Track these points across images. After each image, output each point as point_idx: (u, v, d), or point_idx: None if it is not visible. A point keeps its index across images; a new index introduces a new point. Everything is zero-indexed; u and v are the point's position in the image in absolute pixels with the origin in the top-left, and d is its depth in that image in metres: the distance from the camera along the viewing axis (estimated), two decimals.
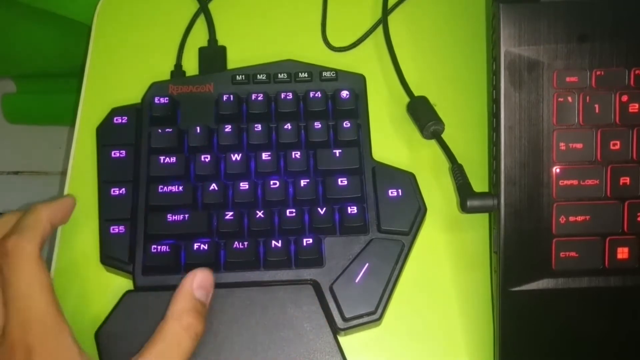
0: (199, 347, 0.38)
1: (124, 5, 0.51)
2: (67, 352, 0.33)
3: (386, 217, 0.41)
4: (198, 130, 0.43)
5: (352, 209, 0.41)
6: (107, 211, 0.42)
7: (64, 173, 0.46)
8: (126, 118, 0.44)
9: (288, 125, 0.43)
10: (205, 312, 0.36)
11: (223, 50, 0.49)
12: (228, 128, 0.43)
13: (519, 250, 0.39)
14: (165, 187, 0.41)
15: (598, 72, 0.39)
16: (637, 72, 0.39)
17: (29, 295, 0.33)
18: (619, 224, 0.39)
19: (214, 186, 0.41)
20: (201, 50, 0.49)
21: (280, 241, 0.40)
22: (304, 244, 0.40)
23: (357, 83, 0.45)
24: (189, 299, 0.36)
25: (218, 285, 0.40)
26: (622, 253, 0.39)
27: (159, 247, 0.40)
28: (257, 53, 0.47)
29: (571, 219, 0.39)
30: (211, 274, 0.37)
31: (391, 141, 0.46)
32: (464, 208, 0.40)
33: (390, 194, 0.42)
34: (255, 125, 0.43)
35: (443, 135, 0.44)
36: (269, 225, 0.41)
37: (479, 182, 0.43)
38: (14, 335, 0.32)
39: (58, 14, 0.70)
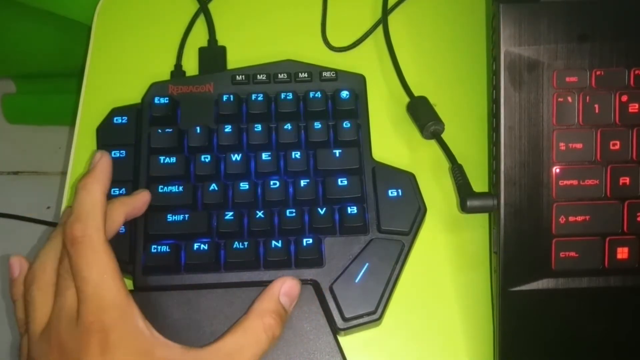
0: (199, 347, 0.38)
1: (124, 5, 0.51)
2: (141, 334, 0.33)
3: (386, 217, 0.41)
4: (198, 130, 0.43)
5: (352, 209, 0.41)
6: None
7: (64, 173, 0.46)
8: (126, 118, 0.44)
9: (288, 125, 0.43)
10: (286, 319, 0.37)
11: (223, 50, 0.49)
12: (228, 128, 0.43)
13: (519, 250, 0.39)
14: (165, 187, 0.41)
15: (598, 72, 0.39)
16: (636, 72, 0.39)
17: (102, 283, 0.33)
18: (618, 224, 0.39)
19: (214, 186, 0.41)
20: (201, 50, 0.49)
21: (280, 241, 0.40)
22: (304, 244, 0.40)
23: (357, 83, 0.45)
24: (274, 301, 0.37)
25: (218, 285, 0.40)
26: (622, 253, 0.39)
27: (159, 247, 0.40)
28: (257, 53, 0.47)
29: (571, 219, 0.39)
30: (299, 285, 0.38)
31: (391, 141, 0.46)
32: (464, 208, 0.40)
33: (390, 194, 0.42)
34: (255, 125, 0.43)
35: (443, 135, 0.44)
36: (269, 225, 0.41)
37: (479, 182, 0.43)
38: (89, 317, 0.33)
39: (58, 14, 0.71)
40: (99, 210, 0.36)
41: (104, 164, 0.38)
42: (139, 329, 0.34)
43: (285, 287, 0.37)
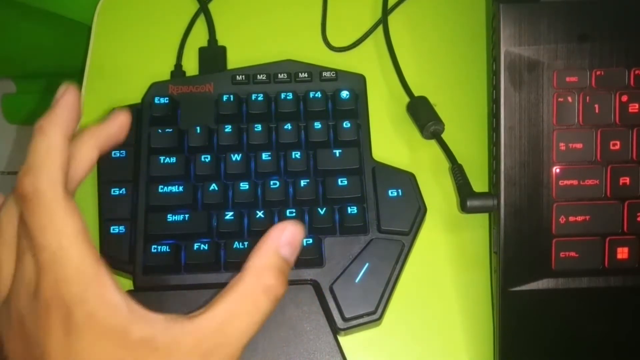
0: None
1: (124, 5, 0.51)
2: (112, 309, 0.26)
3: (386, 217, 0.41)
4: (198, 130, 0.43)
5: (352, 209, 0.41)
6: (107, 211, 0.42)
7: None
8: None
9: (288, 125, 0.43)
10: (289, 272, 0.30)
11: (223, 50, 0.49)
12: (228, 128, 0.43)
13: (519, 250, 0.39)
14: (165, 187, 0.41)
15: (598, 72, 0.39)
16: (637, 72, 0.39)
17: (60, 249, 0.26)
18: (618, 224, 0.39)
19: (214, 186, 0.41)
20: (201, 50, 0.49)
21: None
22: (304, 244, 0.40)
23: (357, 83, 0.45)
24: (272, 255, 0.29)
25: (218, 285, 0.40)
26: (622, 253, 0.39)
27: (159, 247, 0.40)
28: (257, 53, 0.47)
29: (571, 219, 0.39)
30: (303, 229, 0.31)
31: (391, 141, 0.46)
32: (464, 208, 0.40)
33: (390, 194, 0.42)
34: (255, 126, 0.43)
35: (443, 135, 0.44)
36: (269, 225, 0.40)
37: (479, 182, 0.43)
38: (47, 294, 0.26)
39: (58, 14, 0.70)
40: (56, 158, 0.28)
41: (66, 100, 0.30)
42: (110, 303, 0.27)
43: (286, 236, 0.30)
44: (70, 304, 0.26)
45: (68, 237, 0.27)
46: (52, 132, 0.29)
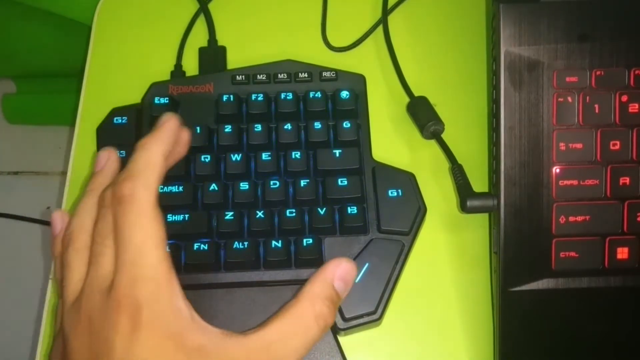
0: None
1: (124, 5, 0.51)
2: (177, 314, 0.29)
3: (386, 217, 0.41)
4: (198, 130, 0.43)
5: (352, 209, 0.41)
6: None
7: (64, 173, 0.46)
8: (126, 118, 0.44)
9: (288, 125, 0.43)
10: (338, 306, 0.33)
11: (223, 50, 0.49)
12: (228, 128, 0.43)
13: (519, 250, 0.39)
14: (165, 187, 0.41)
15: (598, 72, 0.39)
16: (637, 72, 0.39)
17: (142, 250, 0.29)
18: (618, 224, 0.39)
19: (214, 186, 0.41)
20: (201, 50, 0.49)
21: (280, 241, 0.40)
22: (304, 244, 0.40)
23: (357, 83, 0.45)
24: (327, 286, 0.32)
25: (218, 285, 0.40)
26: (622, 253, 0.39)
27: None
28: (257, 53, 0.47)
29: (571, 219, 0.39)
30: (355, 268, 0.34)
31: (391, 141, 0.46)
32: (464, 208, 0.40)
33: (390, 194, 0.42)
34: (255, 126, 0.43)
35: (443, 135, 0.44)
36: (269, 225, 0.41)
37: (479, 182, 0.43)
38: (122, 291, 0.29)
39: (58, 14, 0.71)
40: (154, 170, 0.31)
41: (170, 125, 0.34)
42: (175, 308, 0.29)
43: (340, 271, 0.33)
44: (141, 302, 0.28)
45: (152, 238, 0.30)
46: (154, 149, 0.32)
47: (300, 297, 0.32)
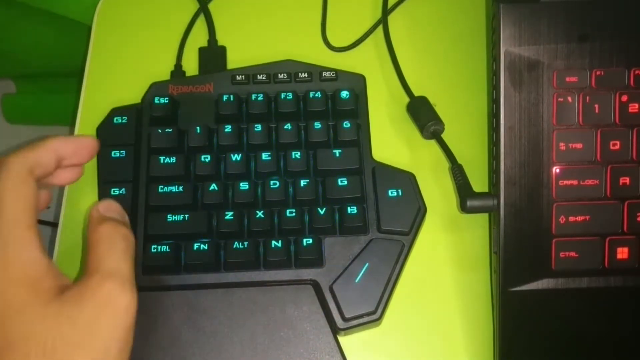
0: (199, 347, 0.38)
1: (124, 6, 0.51)
2: (29, 263, 0.32)
3: (386, 217, 0.41)
4: (198, 130, 0.43)
5: (352, 209, 0.41)
6: None
7: None
8: (126, 118, 0.44)
9: (288, 125, 0.43)
10: (126, 223, 0.37)
11: (223, 50, 0.49)
12: (228, 128, 0.43)
13: (518, 250, 0.39)
14: (165, 187, 0.41)
15: (598, 72, 0.39)
16: (636, 72, 0.39)
17: (4, 206, 0.32)
18: (618, 224, 0.39)
19: (214, 186, 0.41)
20: (201, 50, 0.49)
21: (280, 241, 0.40)
22: (304, 244, 0.40)
23: (357, 83, 0.45)
24: (99, 218, 0.36)
25: (218, 285, 0.40)
26: (622, 253, 0.39)
27: (158, 247, 0.40)
28: (257, 53, 0.47)
29: (571, 219, 0.39)
30: (114, 202, 0.38)
31: (391, 141, 0.46)
32: (464, 208, 0.40)
33: (390, 194, 0.42)
34: (255, 126, 0.43)
35: (443, 135, 0.44)
36: (269, 225, 0.41)
37: (479, 182, 0.43)
38: None
39: (58, 14, 0.70)
40: (37, 150, 0.36)
41: (82, 139, 0.39)
42: (27, 258, 0.32)
43: (101, 207, 0.37)
44: None
45: (8, 197, 0.33)
46: (49, 140, 0.37)
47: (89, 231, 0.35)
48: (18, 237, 0.32)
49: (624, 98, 0.39)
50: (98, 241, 0.34)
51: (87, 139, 0.40)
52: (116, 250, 0.34)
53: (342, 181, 0.42)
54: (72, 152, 0.39)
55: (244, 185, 0.41)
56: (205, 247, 0.40)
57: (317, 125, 0.43)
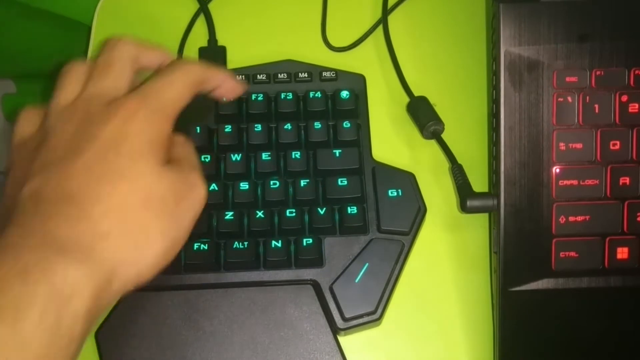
0: (199, 347, 0.38)
1: (124, 5, 0.51)
2: (164, 135, 0.33)
3: (386, 217, 0.41)
4: (198, 130, 0.43)
5: (352, 209, 0.41)
6: None
7: None
8: None
9: (288, 125, 0.43)
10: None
11: (223, 50, 0.49)
12: (228, 128, 0.43)
13: (518, 250, 0.39)
14: None
15: (598, 72, 0.39)
16: (636, 72, 0.39)
17: (165, 92, 0.34)
18: (618, 224, 0.39)
19: (214, 186, 0.41)
20: (201, 50, 0.49)
21: (280, 241, 0.40)
22: (304, 244, 0.40)
23: (357, 83, 0.45)
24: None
25: (218, 285, 0.40)
26: (622, 253, 0.39)
27: None
28: (257, 53, 0.47)
29: (571, 218, 0.39)
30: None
31: (391, 141, 0.46)
32: (464, 208, 0.40)
33: (390, 194, 0.42)
34: (255, 126, 0.43)
35: (443, 135, 0.44)
36: (269, 225, 0.41)
37: (479, 182, 0.43)
38: (126, 103, 0.32)
39: (58, 14, 0.70)
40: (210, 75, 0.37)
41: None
42: (164, 133, 0.33)
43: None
44: (138, 114, 0.32)
45: (178, 99, 0.34)
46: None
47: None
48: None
49: (624, 98, 0.39)
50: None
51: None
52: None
53: (342, 181, 0.42)
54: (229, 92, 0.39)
55: (244, 185, 0.41)
56: (205, 247, 0.40)
57: (317, 125, 0.43)
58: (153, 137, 0.32)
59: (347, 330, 0.39)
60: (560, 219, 0.39)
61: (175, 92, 0.34)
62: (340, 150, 0.42)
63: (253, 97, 0.44)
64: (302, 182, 0.42)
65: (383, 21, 0.49)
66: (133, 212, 0.30)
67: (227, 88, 0.38)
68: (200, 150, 0.42)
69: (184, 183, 0.33)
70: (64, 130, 0.32)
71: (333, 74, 0.45)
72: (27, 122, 0.36)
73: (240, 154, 0.42)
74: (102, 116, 0.32)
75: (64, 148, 0.31)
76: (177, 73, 0.35)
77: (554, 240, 0.39)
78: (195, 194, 0.34)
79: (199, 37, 0.49)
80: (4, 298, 0.26)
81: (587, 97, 0.39)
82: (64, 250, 0.28)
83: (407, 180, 0.43)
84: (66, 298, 0.27)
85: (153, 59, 0.38)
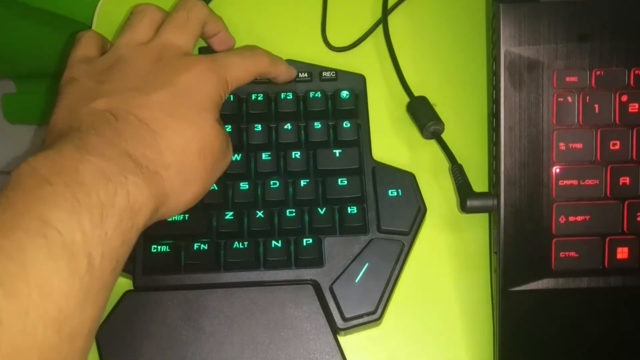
0: (199, 347, 0.38)
1: (124, 5, 0.51)
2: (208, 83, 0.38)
3: (386, 217, 0.41)
4: None
5: (352, 209, 0.41)
6: None
7: None
8: None
9: (288, 125, 0.43)
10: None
11: None
12: (228, 128, 0.43)
13: (518, 250, 0.39)
14: None
15: (598, 72, 0.39)
16: (636, 72, 0.39)
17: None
18: (618, 224, 0.39)
19: (213, 186, 0.41)
20: (201, 50, 0.49)
21: (280, 241, 0.40)
22: (304, 244, 0.40)
23: (357, 83, 0.45)
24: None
25: (218, 285, 0.40)
26: (622, 253, 0.39)
27: (158, 247, 0.40)
28: None
29: (571, 218, 0.39)
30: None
31: (391, 141, 0.46)
32: (464, 208, 0.40)
33: (390, 194, 0.42)
34: (255, 125, 0.43)
35: (443, 135, 0.44)
36: (269, 225, 0.41)
37: (479, 182, 0.43)
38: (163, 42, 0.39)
39: (58, 14, 0.70)
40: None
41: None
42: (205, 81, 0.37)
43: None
44: (175, 54, 0.38)
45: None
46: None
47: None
48: None
49: (624, 98, 0.39)
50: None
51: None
52: None
53: (342, 181, 0.42)
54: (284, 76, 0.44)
55: (244, 185, 0.41)
56: (205, 247, 0.40)
57: (317, 125, 0.43)
58: (215, 99, 0.37)
59: (347, 330, 0.39)
60: (560, 219, 0.39)
61: (242, 72, 0.40)
62: (340, 150, 0.42)
63: (253, 97, 0.44)
64: (302, 182, 0.42)
65: (383, 21, 0.49)
66: (190, 155, 0.35)
67: (284, 77, 0.44)
68: None
69: (227, 147, 0.39)
70: (141, 64, 0.37)
71: (333, 74, 0.45)
72: (91, 45, 0.40)
73: (240, 154, 0.42)
74: (179, 65, 0.37)
75: (140, 79, 0.36)
76: (251, 59, 0.41)
77: (554, 240, 0.39)
78: (228, 159, 0.39)
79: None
80: (90, 197, 0.29)
81: (587, 97, 0.39)
82: (138, 168, 0.32)
83: (407, 180, 0.43)
84: (135, 212, 0.31)
85: (215, 28, 0.44)
